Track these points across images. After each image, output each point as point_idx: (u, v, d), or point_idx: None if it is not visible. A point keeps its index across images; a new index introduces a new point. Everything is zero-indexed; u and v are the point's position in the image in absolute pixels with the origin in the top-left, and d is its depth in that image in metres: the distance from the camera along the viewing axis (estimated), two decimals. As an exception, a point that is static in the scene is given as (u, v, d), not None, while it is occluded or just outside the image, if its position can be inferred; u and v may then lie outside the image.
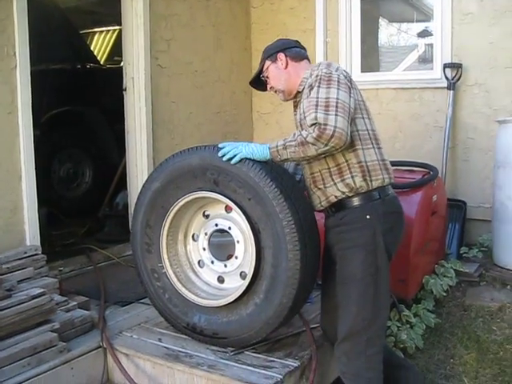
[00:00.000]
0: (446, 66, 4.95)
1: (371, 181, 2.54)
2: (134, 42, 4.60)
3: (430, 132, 5.09)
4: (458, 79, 4.90)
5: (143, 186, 3.04)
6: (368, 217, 2.52)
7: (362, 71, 5.45)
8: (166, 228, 2.96)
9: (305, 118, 2.52)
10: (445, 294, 4.06)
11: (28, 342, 2.85)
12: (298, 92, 2.72)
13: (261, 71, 2.82)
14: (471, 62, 4.90)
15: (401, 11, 6.47)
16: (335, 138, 2.34)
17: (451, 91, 4.90)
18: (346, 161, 2.54)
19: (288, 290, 2.69)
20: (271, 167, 2.65)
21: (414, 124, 5.16)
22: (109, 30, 7.22)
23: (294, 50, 2.80)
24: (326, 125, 2.34)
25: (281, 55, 2.76)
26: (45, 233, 4.70)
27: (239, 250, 2.91)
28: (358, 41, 5.44)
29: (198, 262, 3.08)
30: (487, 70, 4.84)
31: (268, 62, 2.79)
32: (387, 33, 6.82)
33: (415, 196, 3.88)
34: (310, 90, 2.53)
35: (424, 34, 6.03)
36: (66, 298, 3.33)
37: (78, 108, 5.85)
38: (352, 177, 2.53)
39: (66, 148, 5.93)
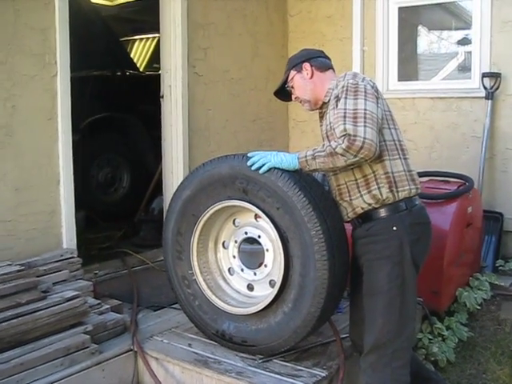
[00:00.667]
0: (484, 75, 4.88)
1: (398, 192, 2.53)
2: (171, 50, 4.68)
3: (468, 142, 5.02)
4: (497, 88, 4.83)
5: (174, 194, 3.09)
6: (394, 228, 2.50)
7: (398, 80, 5.42)
8: (197, 236, 3.00)
9: (332, 129, 2.54)
10: (479, 307, 3.99)
11: (61, 342, 2.92)
12: (324, 103, 2.72)
13: (285, 81, 2.82)
14: (510, 70, 4.82)
15: (440, 19, 6.38)
16: (365, 150, 2.34)
17: (489, 101, 4.83)
18: (373, 172, 2.53)
19: (316, 300, 2.69)
20: (300, 176, 2.66)
21: (451, 134, 5.10)
22: (149, 38, 7.34)
23: (319, 60, 2.79)
24: (355, 136, 2.34)
25: (306, 65, 2.75)
26: (82, 236, 4.83)
27: (268, 258, 2.94)
28: (396, 49, 5.41)
29: (228, 270, 3.11)
30: (527, 80, 4.77)
31: (293, 72, 2.79)
32: (426, 41, 6.74)
33: (450, 207, 3.84)
34: (336, 101, 2.53)
35: (464, 42, 5.95)
36: (99, 301, 3.40)
37: (117, 114, 5.95)
38: (378, 188, 2.53)
39: (104, 153, 6.05)
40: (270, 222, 2.75)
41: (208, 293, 3.03)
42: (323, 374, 2.80)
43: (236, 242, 3.05)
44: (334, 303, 2.89)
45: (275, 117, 5.77)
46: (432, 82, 5.55)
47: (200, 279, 3.04)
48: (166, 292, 3.73)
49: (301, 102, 2.82)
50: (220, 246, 3.11)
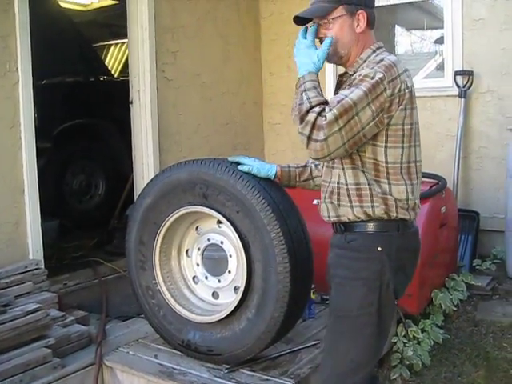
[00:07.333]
0: (456, 73, 4.87)
1: (394, 215, 2.14)
2: (139, 54, 4.61)
3: (442, 141, 4.98)
4: (470, 87, 4.80)
5: (135, 203, 3.04)
6: (379, 249, 2.11)
7: (372, 80, 5.36)
8: (159, 244, 2.93)
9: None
10: (455, 308, 3.94)
11: (21, 358, 2.82)
12: (346, 72, 2.23)
13: (322, 12, 2.13)
14: (483, 68, 4.81)
15: (416, 18, 6.36)
16: (314, 148, 1.99)
17: (462, 99, 4.80)
18: (368, 184, 2.14)
19: (279, 304, 2.63)
20: (259, 179, 2.60)
21: (426, 133, 4.97)
22: (123, 43, 7.24)
23: (373, 12, 2.18)
24: (322, 129, 1.96)
25: (363, 14, 2.14)
26: (54, 245, 4.76)
27: (232, 264, 2.87)
28: (368, 49, 5.35)
29: (193, 278, 3.04)
30: (499, 77, 4.75)
31: (342, 10, 2.12)
32: (404, 40, 6.72)
33: (422, 208, 3.77)
34: (352, 82, 2.08)
35: (441, 41, 5.93)
36: (63, 313, 3.32)
37: (91, 120, 5.87)
38: (373, 206, 2.13)
39: (79, 160, 5.96)
40: (231, 227, 2.69)
41: (172, 302, 2.96)
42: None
43: (199, 249, 2.98)
44: (299, 308, 2.81)
45: (249, 120, 5.71)
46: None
47: (164, 289, 2.97)
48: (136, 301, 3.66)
49: (321, 43, 2.21)
50: (183, 254, 3.04)
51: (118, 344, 3.24)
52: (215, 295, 3.00)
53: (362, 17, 2.14)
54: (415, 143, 2.16)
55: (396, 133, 2.08)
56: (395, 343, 3.53)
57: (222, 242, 2.88)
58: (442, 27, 5.19)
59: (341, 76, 2.27)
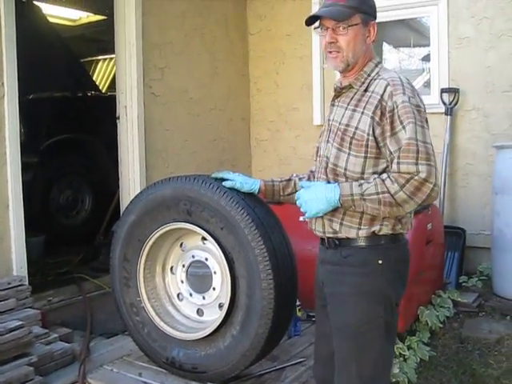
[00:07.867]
0: (442, 90, 4.90)
1: (396, 231, 2.14)
2: (126, 70, 4.61)
3: (429, 158, 4.99)
4: (456, 104, 4.84)
5: (120, 219, 3.02)
6: (380, 262, 2.10)
7: (359, 97, 5.40)
8: (143, 261, 2.92)
9: (396, 163, 1.99)
10: (441, 325, 3.92)
11: (2, 376, 2.79)
12: (350, 85, 2.17)
13: (342, 17, 2.10)
14: (469, 86, 4.85)
15: (404, 36, 6.42)
16: (431, 198, 1.97)
17: (448, 116, 4.83)
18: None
19: (263, 321, 2.63)
20: (243, 195, 2.59)
21: (412, 150, 5.06)
22: (111, 58, 7.25)
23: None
24: (426, 181, 1.93)
25: (374, 26, 2.17)
26: (39, 261, 4.72)
27: (216, 281, 2.87)
28: (355, 66, 5.39)
29: (178, 295, 3.03)
30: (485, 95, 4.79)
31: (358, 19, 2.13)
32: (392, 57, 6.76)
33: (408, 224, 3.78)
34: (391, 117, 2.01)
35: (428, 58, 5.97)
36: (46, 331, 3.29)
37: (78, 136, 5.86)
38: (381, 225, 2.11)
39: (65, 175, 5.93)
40: (215, 243, 2.69)
41: (157, 319, 2.94)
42: (274, 401, 2.72)
43: (184, 266, 2.97)
44: (284, 324, 2.81)
45: (236, 136, 5.71)
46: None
47: (148, 306, 2.96)
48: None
49: (330, 53, 2.16)
50: (168, 271, 3.03)
51: (102, 361, 3.22)
52: (200, 312, 2.98)
53: (373, 29, 2.17)
54: None
55: None
56: (381, 360, 3.51)
57: (206, 259, 2.87)
58: (429, 45, 5.23)
59: (342, 88, 2.21)
